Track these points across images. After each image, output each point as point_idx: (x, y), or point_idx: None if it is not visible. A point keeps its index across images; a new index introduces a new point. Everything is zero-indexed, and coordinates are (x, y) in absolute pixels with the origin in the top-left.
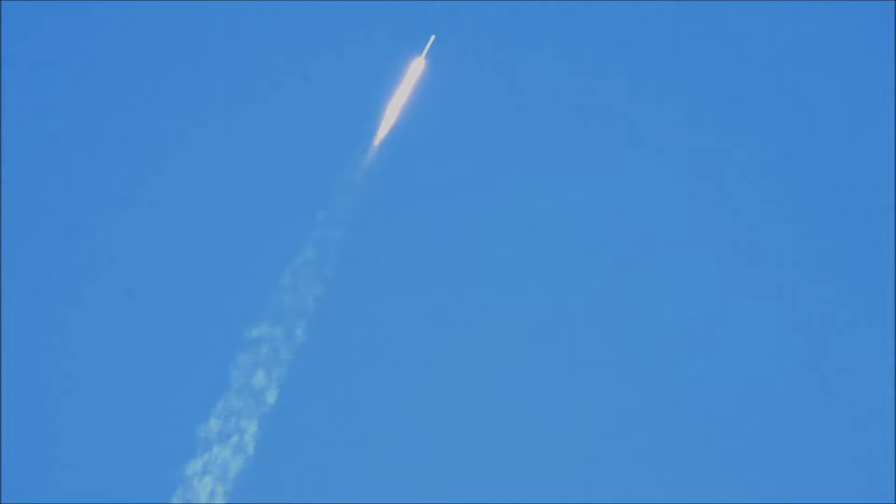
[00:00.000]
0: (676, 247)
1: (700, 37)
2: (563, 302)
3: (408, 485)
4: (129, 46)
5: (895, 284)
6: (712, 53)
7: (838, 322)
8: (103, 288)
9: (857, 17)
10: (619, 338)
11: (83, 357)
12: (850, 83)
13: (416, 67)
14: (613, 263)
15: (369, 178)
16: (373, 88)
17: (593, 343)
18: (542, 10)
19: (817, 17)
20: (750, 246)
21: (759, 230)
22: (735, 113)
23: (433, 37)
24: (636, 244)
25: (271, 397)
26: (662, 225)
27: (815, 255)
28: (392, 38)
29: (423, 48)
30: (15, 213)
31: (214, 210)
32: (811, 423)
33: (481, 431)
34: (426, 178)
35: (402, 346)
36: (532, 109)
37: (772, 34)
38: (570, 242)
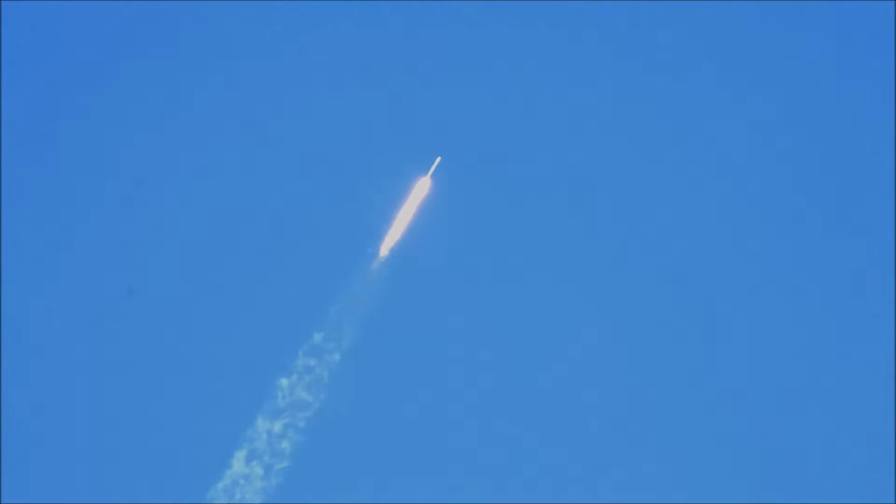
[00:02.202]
0: (676, 247)
1: (702, 37)
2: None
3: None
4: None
5: (895, 284)
6: (715, 56)
7: (838, 322)
8: (103, 288)
9: (857, 17)
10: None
11: (83, 356)
12: (850, 83)
13: (422, 186)
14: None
15: (372, 291)
16: (378, 205)
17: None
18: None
19: (817, 18)
20: (750, 246)
21: (759, 230)
22: (735, 113)
23: (439, 158)
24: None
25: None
26: (663, 230)
27: (815, 255)
28: (399, 158)
29: (430, 168)
30: (15, 212)
31: (225, 248)
32: (811, 423)
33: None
34: (429, 289)
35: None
36: (532, 232)
37: (772, 34)
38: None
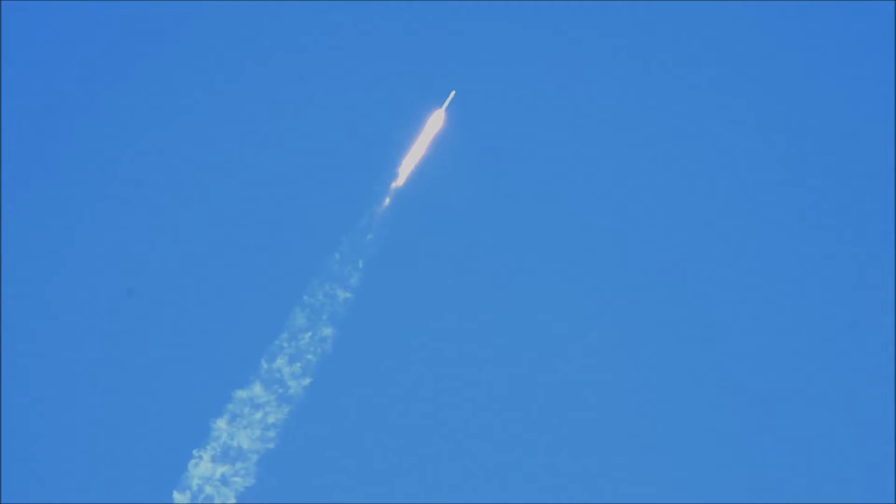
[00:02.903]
0: (676, 247)
1: (702, 37)
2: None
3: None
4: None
5: (895, 284)
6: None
7: (838, 322)
8: (103, 287)
9: (858, 17)
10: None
11: (83, 356)
12: (850, 83)
13: (436, 119)
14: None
15: (382, 225)
16: (392, 136)
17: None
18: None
19: (817, 18)
20: (750, 246)
21: (759, 230)
22: (735, 113)
23: (453, 92)
24: (643, 249)
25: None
26: (664, 228)
27: (815, 256)
28: (415, 91)
29: (444, 102)
30: (15, 213)
31: (224, 248)
32: (811, 423)
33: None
34: (439, 225)
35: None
36: (542, 171)
37: (772, 34)
38: (581, 294)
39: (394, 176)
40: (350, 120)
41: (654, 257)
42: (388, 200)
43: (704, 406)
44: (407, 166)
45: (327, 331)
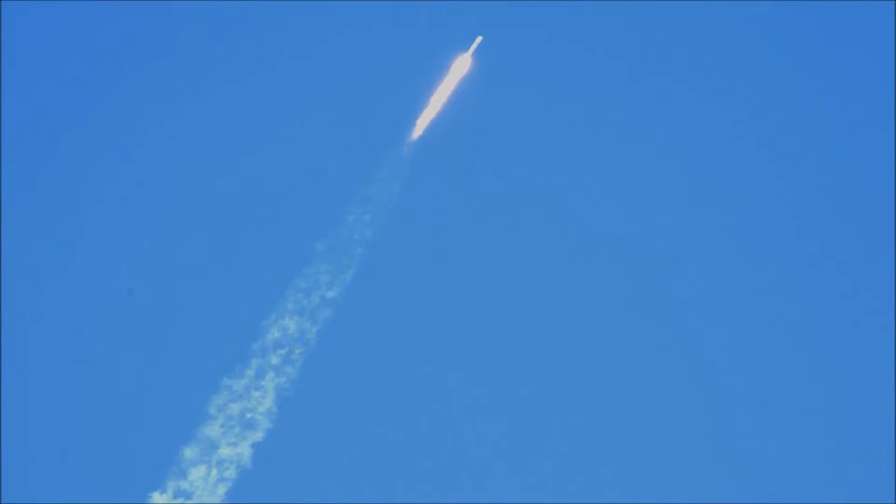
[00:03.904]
0: (676, 246)
1: (704, 36)
2: (594, 306)
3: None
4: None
5: (895, 284)
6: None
7: (838, 322)
8: (103, 287)
9: (858, 17)
10: (627, 341)
11: (83, 356)
12: (850, 83)
13: (462, 65)
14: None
15: (405, 169)
16: (416, 81)
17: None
18: (589, 15)
19: (817, 17)
20: (749, 246)
21: (759, 230)
22: (735, 113)
23: (480, 37)
24: (649, 243)
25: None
26: (668, 225)
27: (815, 255)
28: (441, 35)
29: (470, 47)
30: (15, 212)
31: (237, 199)
32: (811, 423)
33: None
34: (460, 174)
35: (416, 345)
36: (567, 119)
37: (771, 34)
38: (604, 242)
39: (414, 123)
40: (369, 66)
41: (657, 240)
42: (407, 149)
43: (704, 406)
44: (429, 114)
45: (331, 293)
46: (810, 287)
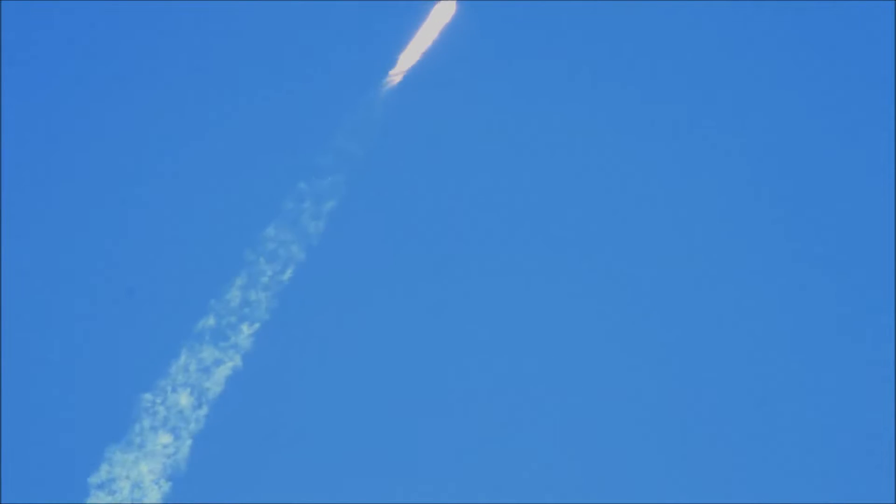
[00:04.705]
0: (675, 246)
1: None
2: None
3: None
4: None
5: (895, 284)
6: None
7: (838, 321)
8: (103, 285)
9: (857, 17)
10: (622, 338)
11: (83, 356)
12: (850, 83)
13: (445, 9)
14: (617, 252)
15: (379, 118)
16: (395, 25)
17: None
18: None
19: (817, 17)
20: (749, 246)
21: (758, 230)
22: (734, 113)
23: None
24: (640, 235)
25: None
26: (663, 222)
27: (814, 255)
28: None
29: None
30: (15, 213)
31: (208, 149)
32: (812, 423)
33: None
34: (438, 123)
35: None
36: (558, 66)
37: (771, 34)
38: (582, 208)
39: (392, 69)
40: (345, 9)
41: (652, 252)
42: (383, 93)
43: (704, 406)
44: (408, 60)
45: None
46: (810, 287)
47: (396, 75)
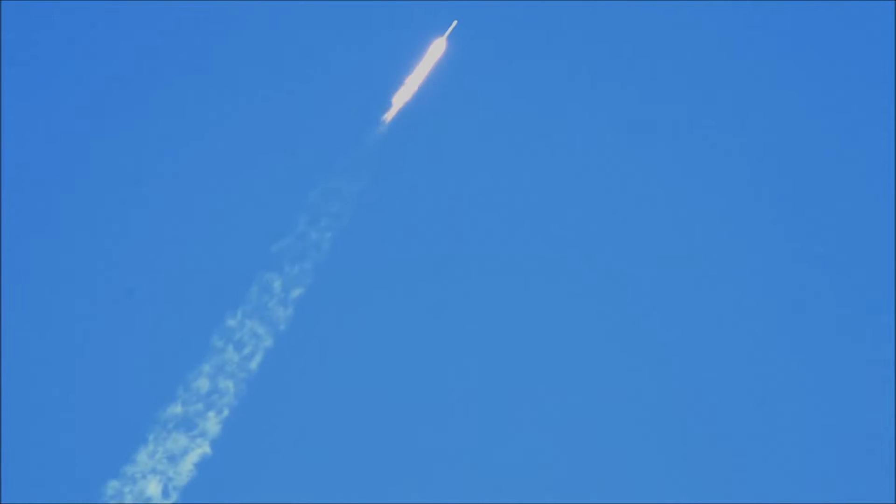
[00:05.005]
0: (675, 245)
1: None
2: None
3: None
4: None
5: (895, 284)
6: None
7: (838, 321)
8: (103, 286)
9: (857, 17)
10: (624, 339)
11: (84, 356)
12: (850, 83)
13: (437, 48)
14: (618, 263)
15: (376, 152)
16: (391, 64)
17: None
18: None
19: (817, 17)
20: (749, 246)
21: (758, 230)
22: (734, 112)
23: (455, 21)
24: (640, 241)
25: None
26: (664, 223)
27: (814, 255)
28: (416, 19)
29: (446, 30)
30: (15, 212)
31: (210, 182)
32: (812, 423)
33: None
34: (433, 155)
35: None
36: (542, 108)
37: (771, 34)
38: (575, 236)
39: (388, 105)
40: (346, 48)
41: (652, 254)
42: (380, 130)
43: (704, 406)
44: (403, 96)
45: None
46: (810, 287)
47: (393, 112)
